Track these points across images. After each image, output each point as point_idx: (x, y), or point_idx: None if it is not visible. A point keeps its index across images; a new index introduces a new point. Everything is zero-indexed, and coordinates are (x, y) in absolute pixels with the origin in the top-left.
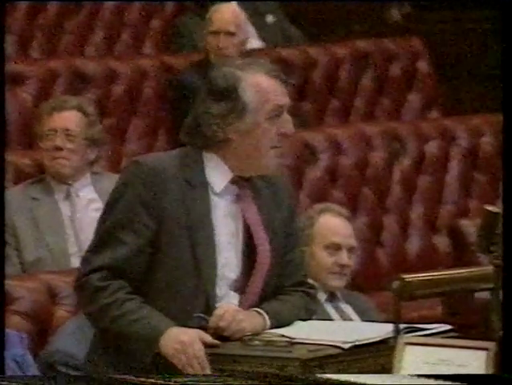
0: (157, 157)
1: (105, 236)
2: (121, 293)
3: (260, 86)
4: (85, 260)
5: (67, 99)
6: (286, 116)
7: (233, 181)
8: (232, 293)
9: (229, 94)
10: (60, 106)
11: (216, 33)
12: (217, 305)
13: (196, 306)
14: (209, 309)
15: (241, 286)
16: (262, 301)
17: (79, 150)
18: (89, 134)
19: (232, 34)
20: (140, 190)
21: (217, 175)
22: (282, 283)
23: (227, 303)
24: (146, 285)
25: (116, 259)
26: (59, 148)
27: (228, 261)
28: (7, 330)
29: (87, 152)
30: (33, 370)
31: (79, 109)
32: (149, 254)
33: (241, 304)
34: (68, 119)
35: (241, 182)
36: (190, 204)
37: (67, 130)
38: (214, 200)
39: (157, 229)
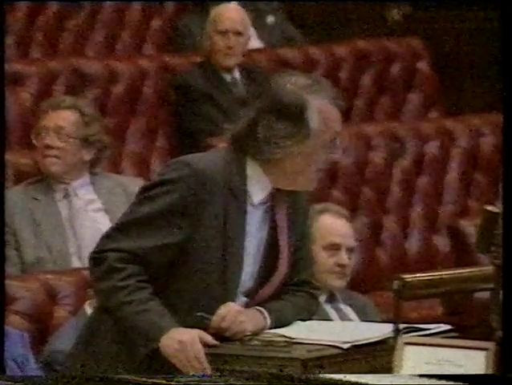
0: (206, 160)
1: (136, 221)
2: (134, 280)
3: (324, 113)
4: (109, 235)
5: (65, 99)
6: (338, 142)
7: (272, 193)
8: (243, 298)
9: (296, 116)
10: (57, 105)
11: (224, 32)
12: None
13: (213, 312)
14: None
15: (252, 292)
16: (270, 298)
17: (71, 149)
18: (84, 134)
19: (240, 33)
20: (185, 193)
21: (258, 186)
22: (288, 281)
23: (230, 303)
24: (167, 284)
25: (140, 247)
26: (49, 147)
27: (248, 270)
28: (8, 328)
29: (82, 152)
30: (34, 370)
31: (76, 108)
32: (176, 254)
33: (246, 306)
34: (62, 118)
35: (279, 194)
36: (229, 214)
37: (60, 128)
38: (250, 210)
39: (191, 234)
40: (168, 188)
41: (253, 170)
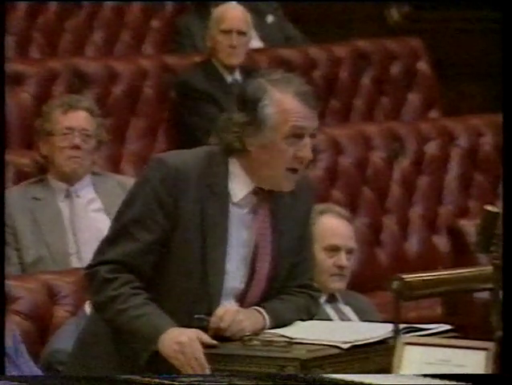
0: (182, 157)
1: (120, 229)
2: (127, 288)
3: (283, 105)
4: (99, 250)
5: (80, 99)
6: (307, 140)
7: (253, 192)
8: (233, 302)
9: (251, 105)
10: (75, 105)
11: (228, 32)
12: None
13: (198, 312)
14: (210, 315)
15: (242, 296)
16: (265, 300)
17: (91, 151)
18: (98, 135)
19: (243, 33)
20: (158, 188)
21: (239, 184)
22: (286, 284)
23: (228, 304)
24: (155, 283)
25: (127, 254)
26: (77, 147)
27: (235, 271)
28: None
29: (95, 154)
30: (29, 364)
31: (89, 110)
32: (160, 253)
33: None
34: (83, 118)
35: (261, 193)
36: (208, 210)
37: (84, 130)
38: (232, 208)
39: (171, 230)
40: (142, 187)
41: (234, 167)
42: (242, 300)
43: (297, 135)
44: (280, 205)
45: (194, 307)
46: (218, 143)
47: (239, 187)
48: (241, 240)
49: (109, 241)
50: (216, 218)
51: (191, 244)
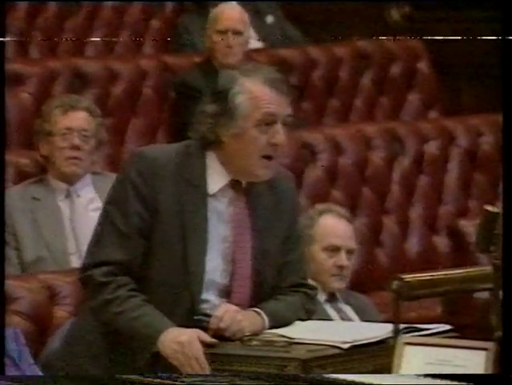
0: (160, 149)
1: (104, 227)
2: (123, 290)
3: (253, 92)
4: (89, 251)
5: (79, 99)
6: (279, 127)
7: (230, 185)
8: (218, 298)
9: (222, 95)
10: (75, 105)
11: (224, 32)
12: (204, 307)
13: (180, 308)
14: (193, 312)
15: (226, 292)
16: (258, 302)
17: (91, 151)
18: (98, 136)
19: (239, 33)
20: (136, 180)
21: (216, 177)
22: (279, 284)
23: (227, 304)
24: (142, 280)
25: (116, 252)
26: (77, 148)
27: (216, 265)
28: None
29: (94, 155)
30: (32, 367)
31: (88, 110)
32: (144, 247)
33: None
34: (83, 119)
35: (239, 186)
36: (186, 202)
37: (84, 130)
38: (210, 202)
39: (152, 222)
40: (121, 179)
41: (211, 161)
42: (228, 296)
43: (269, 121)
44: (260, 203)
45: (176, 300)
46: (194, 137)
47: (216, 180)
48: (220, 234)
49: (97, 241)
50: (194, 210)
51: (171, 238)
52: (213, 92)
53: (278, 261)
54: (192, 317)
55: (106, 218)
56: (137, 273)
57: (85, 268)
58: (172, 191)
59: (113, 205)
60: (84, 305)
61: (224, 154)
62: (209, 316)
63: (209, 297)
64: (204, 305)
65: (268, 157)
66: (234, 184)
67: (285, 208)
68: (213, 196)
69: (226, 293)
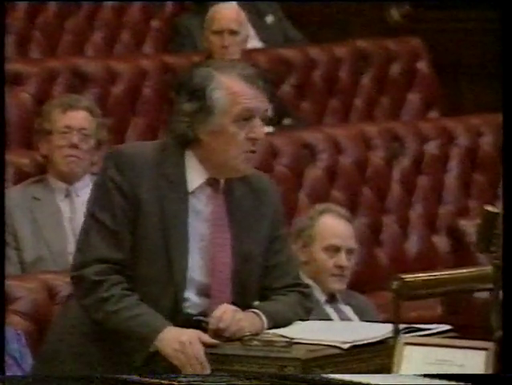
0: (137, 146)
1: (92, 226)
2: (118, 289)
3: (230, 88)
4: (78, 249)
5: (79, 98)
6: (257, 121)
7: (208, 183)
8: (197, 297)
9: (199, 93)
10: (75, 104)
11: (219, 32)
12: (185, 306)
13: (163, 306)
14: (176, 311)
15: (205, 291)
16: (242, 304)
17: (90, 151)
18: (98, 135)
19: (235, 32)
20: (115, 177)
21: (194, 174)
22: (272, 286)
23: (225, 304)
24: (130, 278)
25: (107, 250)
26: (75, 146)
27: (197, 264)
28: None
29: (94, 154)
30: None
31: (89, 110)
32: (131, 243)
33: (209, 308)
34: (83, 118)
35: (216, 185)
36: (165, 200)
37: (83, 129)
38: (191, 199)
39: (134, 218)
40: (101, 176)
41: (190, 160)
42: (208, 295)
43: (247, 117)
44: (238, 203)
45: (161, 296)
46: (171, 136)
47: (194, 177)
48: (198, 232)
49: (87, 240)
50: (175, 208)
51: (153, 236)
52: (188, 90)
53: (262, 263)
54: (175, 315)
55: (92, 217)
56: (127, 271)
57: (76, 267)
58: (152, 186)
59: (97, 204)
60: (66, 304)
61: (202, 152)
62: (192, 315)
63: (189, 295)
64: (185, 304)
65: (247, 152)
66: (212, 182)
67: (266, 210)
68: (192, 193)
69: (206, 293)
